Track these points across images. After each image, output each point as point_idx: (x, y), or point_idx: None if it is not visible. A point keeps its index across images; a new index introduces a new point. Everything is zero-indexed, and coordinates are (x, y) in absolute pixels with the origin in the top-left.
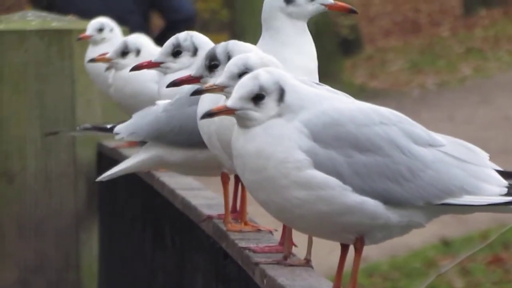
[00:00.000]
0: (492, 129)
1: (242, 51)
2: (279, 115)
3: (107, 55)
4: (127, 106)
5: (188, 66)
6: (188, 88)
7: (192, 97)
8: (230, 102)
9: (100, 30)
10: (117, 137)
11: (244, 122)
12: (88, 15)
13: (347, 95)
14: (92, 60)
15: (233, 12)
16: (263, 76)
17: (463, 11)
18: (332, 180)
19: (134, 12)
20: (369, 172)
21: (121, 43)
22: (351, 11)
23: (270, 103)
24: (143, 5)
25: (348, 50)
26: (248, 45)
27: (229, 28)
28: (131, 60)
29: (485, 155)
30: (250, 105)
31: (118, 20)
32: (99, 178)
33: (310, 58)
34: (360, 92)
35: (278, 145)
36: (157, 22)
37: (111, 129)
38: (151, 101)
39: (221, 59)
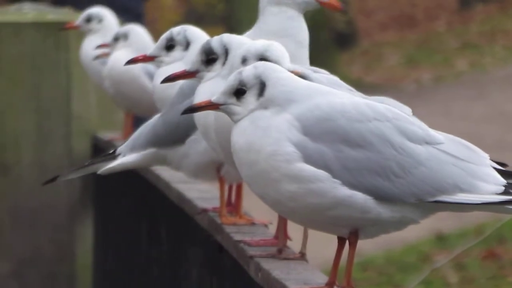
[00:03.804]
0: (488, 124)
1: (237, 44)
2: (265, 108)
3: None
4: (122, 98)
5: (180, 59)
6: (181, 84)
7: (184, 93)
8: (214, 97)
9: (88, 20)
10: (119, 157)
11: (230, 116)
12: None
13: (350, 87)
14: (96, 58)
15: (229, 6)
16: (245, 71)
17: (459, 5)
18: (322, 173)
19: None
20: (359, 167)
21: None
22: (341, 10)
23: (250, 97)
24: None
25: (344, 44)
26: (243, 38)
27: (224, 22)
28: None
29: (485, 155)
30: (233, 99)
31: (122, 11)
32: (100, 172)
33: (297, 44)
34: (356, 87)
35: (267, 137)
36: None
37: (113, 153)
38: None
39: (218, 52)
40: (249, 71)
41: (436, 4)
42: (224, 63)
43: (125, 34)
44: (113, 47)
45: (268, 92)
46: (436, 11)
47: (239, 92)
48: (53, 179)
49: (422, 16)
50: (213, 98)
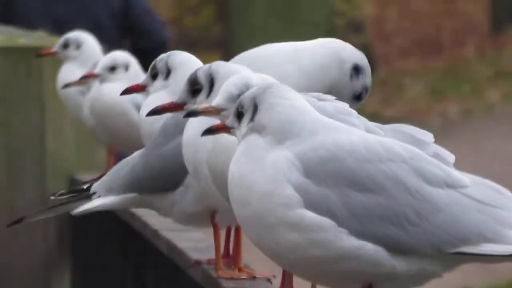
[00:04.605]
0: None
1: (228, 73)
2: (258, 133)
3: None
4: (106, 133)
5: (162, 89)
6: (164, 121)
7: (167, 133)
8: (228, 120)
9: (65, 46)
10: (94, 197)
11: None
12: (61, 24)
13: (366, 120)
14: (66, 86)
15: (227, 27)
16: (247, 92)
17: (491, 28)
18: (326, 222)
19: (110, 24)
20: (368, 214)
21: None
22: None
23: (245, 121)
24: (117, 18)
25: None
26: (235, 66)
27: (222, 46)
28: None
29: None
30: (236, 123)
31: (95, 28)
32: (74, 212)
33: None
34: (372, 122)
35: (260, 172)
36: None
37: (88, 189)
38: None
39: (203, 82)
40: (249, 92)
41: (465, 27)
42: (209, 94)
43: (126, 64)
44: (106, 77)
45: (258, 117)
46: (464, 35)
47: (240, 114)
48: (19, 221)
49: (449, 40)
50: (227, 121)
